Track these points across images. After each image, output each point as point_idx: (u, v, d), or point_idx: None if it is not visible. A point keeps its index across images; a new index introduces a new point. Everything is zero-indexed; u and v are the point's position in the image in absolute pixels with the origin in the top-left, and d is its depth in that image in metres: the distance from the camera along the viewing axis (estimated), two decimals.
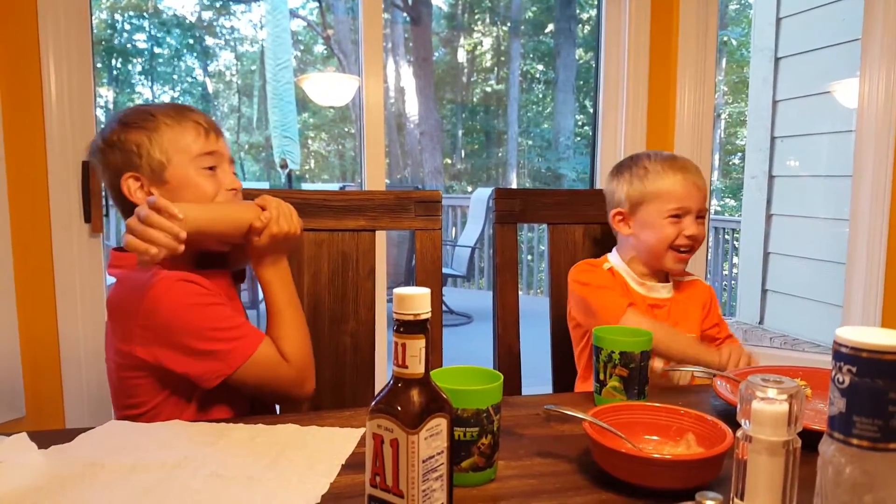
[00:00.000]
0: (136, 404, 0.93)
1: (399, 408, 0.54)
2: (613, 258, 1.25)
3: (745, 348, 1.13)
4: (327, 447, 0.76)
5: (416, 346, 0.55)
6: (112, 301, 0.94)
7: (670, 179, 1.18)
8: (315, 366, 0.99)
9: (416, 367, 0.55)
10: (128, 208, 0.96)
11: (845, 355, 0.48)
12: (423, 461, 0.54)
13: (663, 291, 1.22)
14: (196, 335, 0.89)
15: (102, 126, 1.01)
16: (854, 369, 0.47)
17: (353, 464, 0.72)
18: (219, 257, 1.03)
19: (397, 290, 0.55)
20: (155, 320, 0.88)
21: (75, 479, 0.68)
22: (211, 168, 0.97)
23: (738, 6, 9.55)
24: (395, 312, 0.55)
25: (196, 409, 0.94)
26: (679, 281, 1.26)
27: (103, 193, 1.70)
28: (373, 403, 0.56)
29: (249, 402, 1.00)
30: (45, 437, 0.76)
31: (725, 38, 9.28)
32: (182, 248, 0.83)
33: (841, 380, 0.48)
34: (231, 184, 0.99)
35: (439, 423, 0.56)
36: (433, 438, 0.55)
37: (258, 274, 0.98)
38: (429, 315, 0.55)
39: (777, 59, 3.56)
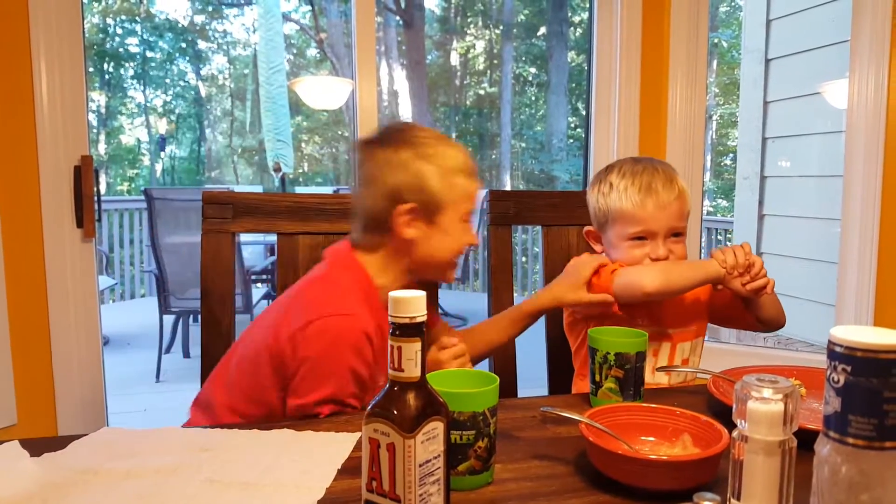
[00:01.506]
0: (260, 392, 0.94)
1: (395, 412, 0.54)
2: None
3: (736, 246, 1.05)
4: (323, 452, 0.76)
5: (412, 350, 0.55)
6: (300, 291, 0.96)
7: (631, 200, 1.09)
8: None
9: (412, 370, 0.55)
10: (380, 227, 0.96)
11: (840, 355, 0.48)
12: (420, 465, 0.54)
13: None
14: (311, 377, 0.88)
15: (383, 135, 1.00)
16: (849, 368, 0.48)
17: (349, 468, 0.72)
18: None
19: (393, 294, 0.55)
20: (315, 339, 0.88)
21: (68, 486, 0.67)
22: (467, 221, 1.00)
23: (729, 8, 9.62)
24: (391, 316, 0.55)
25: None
26: None
27: (95, 198, 1.69)
28: (369, 407, 0.55)
29: None
30: (38, 445, 0.76)
31: (716, 40, 9.34)
32: None
33: (836, 379, 0.49)
34: (475, 239, 1.02)
35: (436, 427, 0.56)
36: (430, 442, 0.55)
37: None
38: (424, 318, 0.55)
39: (767, 61, 3.59)
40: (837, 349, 0.48)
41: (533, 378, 1.45)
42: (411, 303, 0.54)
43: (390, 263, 0.99)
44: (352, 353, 0.89)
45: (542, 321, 1.34)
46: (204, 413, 0.99)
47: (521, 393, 1.29)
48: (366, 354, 0.90)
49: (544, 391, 1.34)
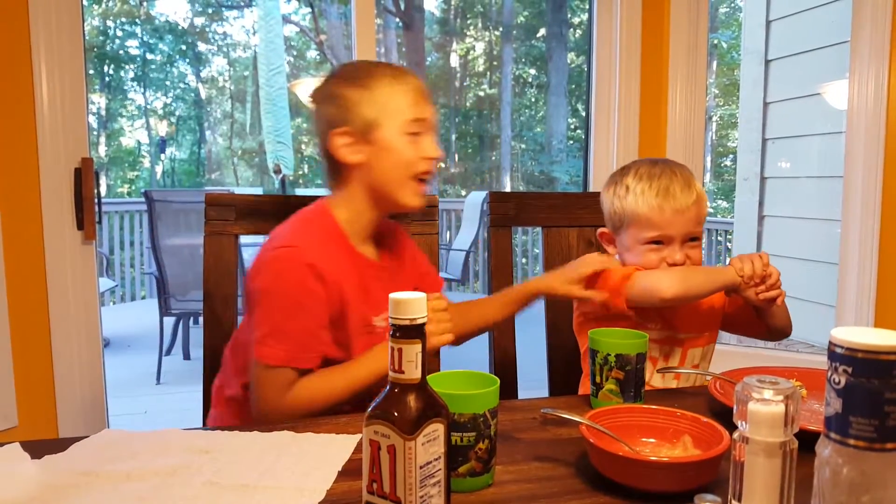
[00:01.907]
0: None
1: (396, 413, 0.54)
2: None
3: (754, 255, 1.05)
4: (323, 453, 0.76)
5: (413, 351, 0.54)
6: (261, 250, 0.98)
7: (648, 204, 1.07)
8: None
9: (413, 372, 0.55)
10: (330, 161, 0.98)
11: (841, 356, 0.48)
12: (421, 467, 0.54)
13: None
14: (263, 308, 0.91)
15: (323, 78, 1.02)
16: (850, 370, 0.48)
17: (349, 470, 0.71)
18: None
19: (393, 295, 0.55)
20: (258, 272, 0.93)
21: (69, 488, 0.67)
22: (415, 134, 0.97)
23: (728, 9, 9.63)
24: (391, 317, 0.55)
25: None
26: None
27: (96, 200, 1.69)
28: (369, 409, 0.55)
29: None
30: (38, 447, 0.76)
31: (716, 41, 9.35)
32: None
33: (837, 380, 0.49)
34: (433, 152, 0.98)
35: (436, 429, 0.55)
36: (430, 444, 0.55)
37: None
38: (425, 319, 0.55)
39: (767, 62, 3.59)
40: (838, 350, 0.48)
41: (533, 380, 1.45)
42: (411, 304, 0.54)
43: (351, 198, 0.99)
44: (293, 284, 0.91)
45: (542, 322, 1.34)
46: (218, 405, 1.02)
47: (521, 394, 1.29)
48: (308, 285, 0.91)
49: (545, 393, 1.34)
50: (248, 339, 0.94)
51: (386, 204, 1.00)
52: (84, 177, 1.67)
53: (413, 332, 0.54)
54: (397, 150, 0.96)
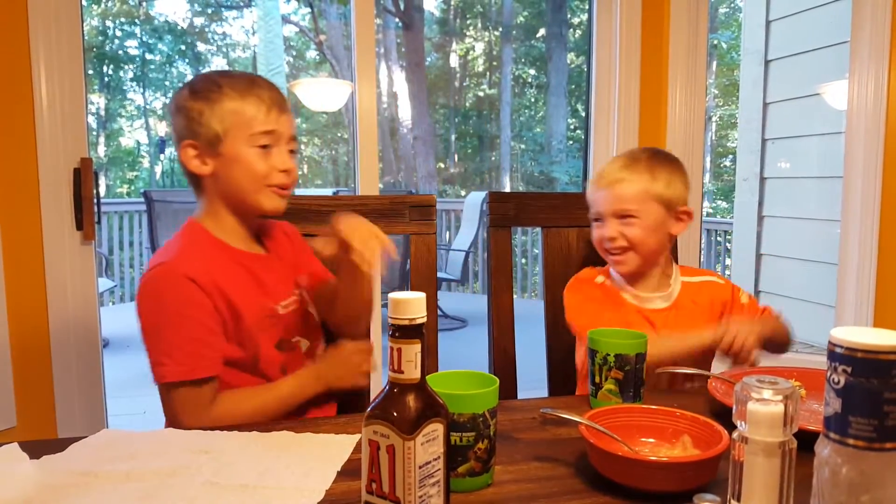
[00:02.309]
0: None
1: (395, 413, 0.54)
2: (612, 271, 1.24)
3: (753, 328, 1.07)
4: (323, 454, 0.76)
5: (412, 351, 0.54)
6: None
7: (588, 189, 1.22)
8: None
9: (412, 372, 0.55)
10: (189, 175, 0.99)
11: (840, 356, 0.48)
12: (420, 467, 0.54)
13: (659, 302, 1.19)
14: (147, 333, 0.92)
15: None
16: (849, 369, 0.48)
17: (348, 470, 0.71)
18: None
19: (392, 295, 0.54)
20: (140, 300, 0.93)
21: (68, 488, 0.67)
22: (265, 146, 0.96)
23: (728, 10, 9.63)
24: (391, 317, 0.55)
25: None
26: (688, 282, 1.22)
27: (95, 200, 1.69)
28: (368, 409, 0.55)
29: (276, 344, 1.01)
30: (37, 447, 0.76)
31: (715, 42, 9.35)
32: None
33: (836, 380, 0.49)
34: (284, 164, 0.98)
35: (436, 429, 0.55)
36: (430, 444, 0.55)
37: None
38: (424, 319, 0.55)
39: (767, 62, 3.59)
40: (838, 350, 0.48)
41: (533, 380, 1.45)
42: (410, 304, 0.54)
43: (214, 208, 1.00)
44: (172, 299, 0.91)
45: (541, 322, 1.34)
46: None
47: (520, 395, 1.29)
48: (186, 295, 0.91)
49: (544, 393, 1.34)
50: None
51: (246, 210, 1.01)
52: (83, 177, 1.67)
53: (412, 331, 0.54)
54: (245, 163, 0.96)
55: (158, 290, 0.93)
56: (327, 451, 0.76)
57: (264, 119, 0.96)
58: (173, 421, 0.93)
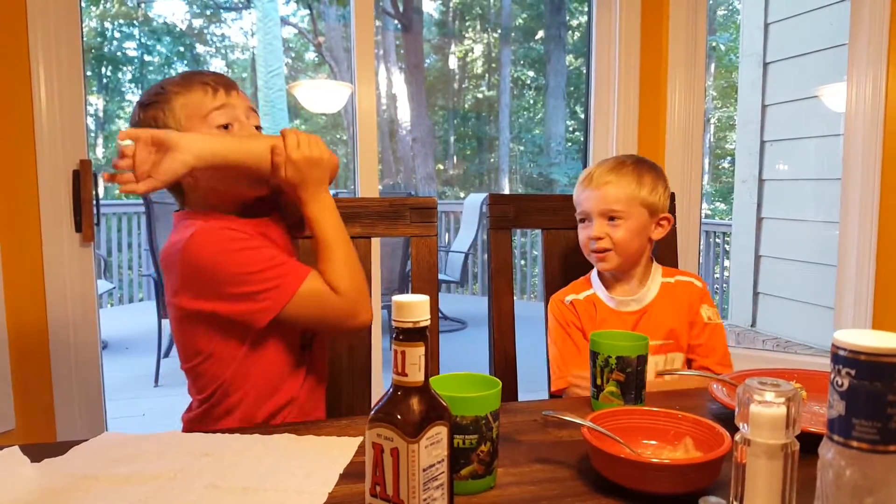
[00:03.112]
0: (195, 353, 0.96)
1: (399, 416, 0.54)
2: (593, 274, 1.27)
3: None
4: (325, 456, 0.76)
5: (416, 354, 0.54)
6: (161, 258, 0.97)
7: (576, 189, 1.25)
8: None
9: (416, 375, 0.55)
10: (173, 187, 0.98)
11: (844, 358, 0.48)
12: (424, 470, 0.54)
13: (633, 304, 1.22)
14: (236, 280, 0.90)
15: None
16: (853, 372, 0.48)
17: (351, 473, 0.71)
18: (267, 207, 1.03)
19: (396, 298, 0.54)
20: (196, 270, 0.90)
21: (68, 492, 0.67)
22: (226, 126, 0.96)
23: (727, 12, 9.65)
24: (394, 320, 0.55)
25: (248, 348, 0.95)
26: (667, 283, 1.24)
27: (94, 202, 1.69)
28: (372, 412, 0.55)
29: (300, 336, 1.00)
30: (38, 451, 0.75)
31: (714, 44, 9.37)
32: (163, 185, 0.85)
33: (840, 383, 0.49)
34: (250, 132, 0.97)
35: (439, 432, 0.55)
36: (433, 447, 0.55)
37: (302, 212, 0.97)
38: (428, 322, 0.55)
39: (765, 64, 3.59)
40: (841, 353, 0.48)
41: (534, 382, 1.45)
42: (414, 307, 0.54)
43: (202, 196, 0.99)
44: (229, 242, 0.90)
45: (540, 324, 1.34)
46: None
47: (521, 397, 1.29)
48: (240, 236, 0.91)
49: (545, 395, 1.34)
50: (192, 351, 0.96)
51: (235, 197, 0.99)
52: (82, 179, 1.66)
53: (416, 334, 0.54)
54: None
55: (207, 247, 0.90)
56: (329, 454, 0.76)
57: (212, 98, 0.96)
58: (323, 322, 0.95)
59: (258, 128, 1.00)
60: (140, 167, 0.83)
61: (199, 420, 0.98)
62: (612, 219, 1.19)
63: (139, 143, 0.83)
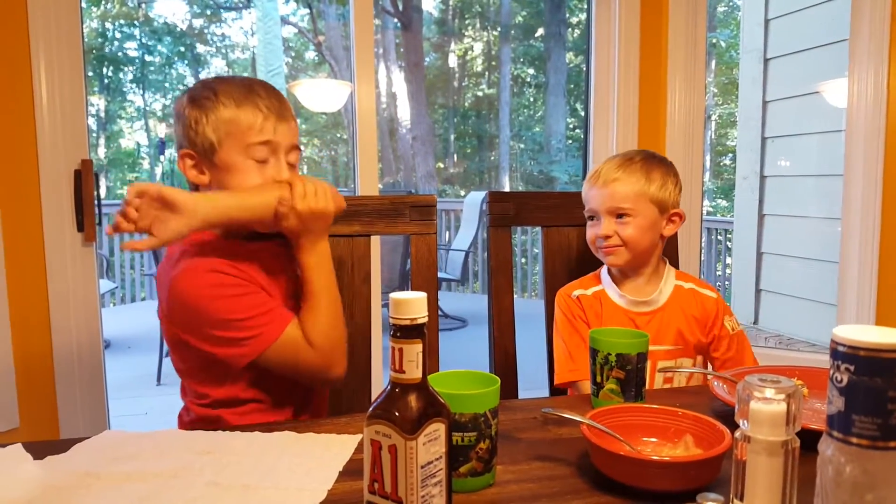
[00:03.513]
0: (183, 369, 0.97)
1: (397, 413, 0.54)
2: (603, 271, 1.26)
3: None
4: (324, 454, 0.76)
5: (414, 351, 0.54)
6: (157, 273, 0.97)
7: (584, 187, 1.24)
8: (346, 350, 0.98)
9: (414, 372, 0.55)
10: (190, 183, 0.97)
11: (843, 354, 0.48)
12: (422, 467, 0.54)
13: (644, 306, 1.20)
14: (220, 326, 0.89)
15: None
16: (852, 368, 0.47)
17: (350, 470, 0.71)
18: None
19: (394, 295, 0.54)
20: (181, 308, 0.91)
21: (70, 489, 0.67)
22: (263, 160, 0.94)
23: (727, 8, 9.62)
24: (392, 317, 0.55)
25: (233, 382, 0.95)
26: (683, 288, 1.22)
27: (96, 202, 1.69)
28: (370, 409, 0.55)
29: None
30: (40, 448, 0.76)
31: (714, 41, 9.34)
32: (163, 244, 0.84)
33: (839, 379, 0.48)
34: (279, 177, 0.94)
35: (437, 429, 0.55)
36: (431, 444, 0.55)
37: (296, 256, 0.96)
38: (426, 319, 0.55)
39: (766, 60, 3.59)
40: (840, 348, 0.48)
41: (534, 379, 1.45)
42: (411, 304, 0.54)
43: None
44: (214, 288, 0.89)
45: (541, 322, 1.34)
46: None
47: (521, 394, 1.29)
48: (229, 281, 0.90)
49: (545, 392, 1.34)
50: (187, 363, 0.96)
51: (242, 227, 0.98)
52: (84, 178, 1.67)
53: (414, 331, 0.54)
54: (240, 173, 0.93)
55: (194, 289, 0.90)
56: (329, 452, 0.76)
57: (260, 128, 0.93)
58: (296, 371, 0.94)
59: (292, 165, 0.98)
60: (142, 221, 0.82)
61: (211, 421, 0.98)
62: (620, 216, 1.18)
63: (145, 197, 0.82)
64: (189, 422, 1.00)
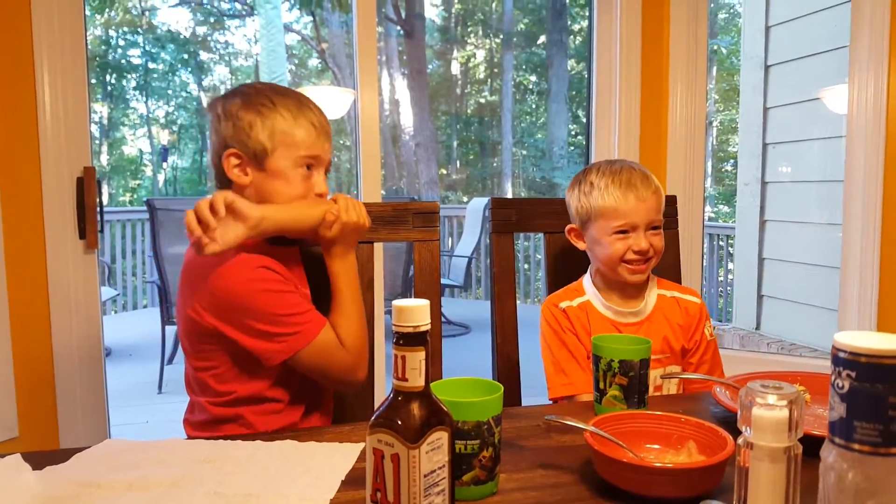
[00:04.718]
0: (206, 367, 0.98)
1: (399, 422, 0.54)
2: (586, 281, 1.24)
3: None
4: (327, 463, 0.75)
5: (416, 359, 0.54)
6: (189, 266, 0.98)
7: (613, 196, 1.16)
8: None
9: (417, 379, 0.55)
10: (222, 179, 1.01)
11: (844, 360, 0.48)
12: (425, 476, 0.54)
13: (631, 317, 1.19)
14: (264, 319, 0.93)
15: (226, 92, 1.04)
16: (854, 374, 0.47)
17: (352, 479, 0.71)
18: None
19: (396, 302, 0.54)
20: (227, 298, 0.93)
21: (70, 499, 0.67)
22: (309, 173, 1.00)
23: (728, 15, 9.65)
24: (395, 325, 0.55)
25: (260, 379, 0.98)
26: (666, 296, 1.22)
27: (98, 209, 1.70)
28: (373, 418, 0.55)
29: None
30: (39, 458, 0.76)
31: (716, 47, 9.37)
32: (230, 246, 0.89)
33: (841, 385, 0.48)
34: (320, 188, 1.02)
35: (440, 437, 0.55)
36: (434, 452, 0.55)
37: (328, 264, 1.02)
38: (428, 327, 0.55)
39: (767, 67, 3.59)
40: (841, 355, 0.48)
41: (537, 386, 1.44)
42: (414, 312, 0.54)
43: None
44: (262, 283, 0.93)
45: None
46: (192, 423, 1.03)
47: (525, 402, 1.29)
48: (274, 280, 0.94)
49: (547, 399, 1.33)
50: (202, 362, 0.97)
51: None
52: (86, 185, 1.67)
53: (416, 339, 0.54)
54: (286, 181, 0.99)
55: (243, 278, 0.93)
56: (331, 460, 0.76)
57: (311, 144, 1.00)
58: (327, 372, 0.98)
59: (326, 175, 1.05)
60: (212, 227, 0.87)
61: (210, 423, 0.98)
62: (655, 227, 1.17)
63: (217, 201, 0.88)
64: (202, 422, 1.00)
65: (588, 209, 1.19)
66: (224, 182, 1.01)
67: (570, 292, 1.24)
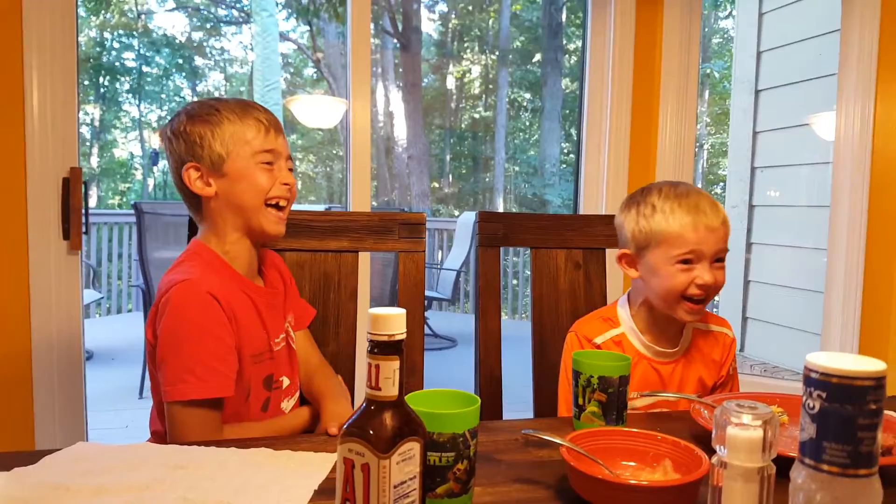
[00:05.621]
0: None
1: (371, 431, 0.53)
2: (621, 310, 1.14)
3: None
4: (300, 472, 0.75)
5: (390, 368, 0.54)
6: (160, 283, 0.98)
7: (679, 222, 1.04)
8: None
9: (390, 389, 0.54)
10: (189, 197, 1.02)
11: (815, 381, 0.48)
12: (395, 486, 0.53)
13: (667, 357, 1.12)
14: (170, 348, 0.91)
15: (171, 117, 1.05)
16: (824, 395, 0.48)
17: (326, 490, 0.70)
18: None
19: (372, 310, 0.54)
20: (162, 315, 0.92)
21: (37, 501, 0.66)
22: (268, 163, 1.01)
23: (722, 40, 9.81)
24: (369, 333, 0.54)
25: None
26: (700, 330, 1.14)
27: (83, 210, 1.68)
28: (344, 427, 0.55)
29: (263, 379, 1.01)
30: (9, 459, 0.74)
31: (708, 71, 9.51)
32: None
33: (811, 405, 0.49)
34: (285, 179, 1.02)
35: (412, 448, 0.55)
36: (405, 463, 0.54)
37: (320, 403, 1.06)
38: (404, 336, 0.55)
39: (757, 92, 3.65)
40: (813, 375, 0.49)
41: (520, 401, 1.44)
42: (389, 320, 0.54)
43: (217, 230, 1.01)
44: (196, 313, 0.91)
45: (529, 342, 1.33)
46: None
47: (507, 415, 1.28)
48: (212, 312, 0.92)
49: (531, 414, 1.33)
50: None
51: (249, 231, 1.02)
52: (72, 186, 1.66)
53: (390, 348, 0.54)
54: (249, 178, 0.99)
55: (183, 306, 0.91)
56: (305, 469, 0.75)
57: (263, 140, 1.00)
58: (180, 440, 0.90)
59: (290, 170, 1.05)
60: None
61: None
62: (721, 259, 1.06)
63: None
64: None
65: (648, 233, 1.06)
66: (192, 200, 1.01)
67: (603, 322, 1.13)
